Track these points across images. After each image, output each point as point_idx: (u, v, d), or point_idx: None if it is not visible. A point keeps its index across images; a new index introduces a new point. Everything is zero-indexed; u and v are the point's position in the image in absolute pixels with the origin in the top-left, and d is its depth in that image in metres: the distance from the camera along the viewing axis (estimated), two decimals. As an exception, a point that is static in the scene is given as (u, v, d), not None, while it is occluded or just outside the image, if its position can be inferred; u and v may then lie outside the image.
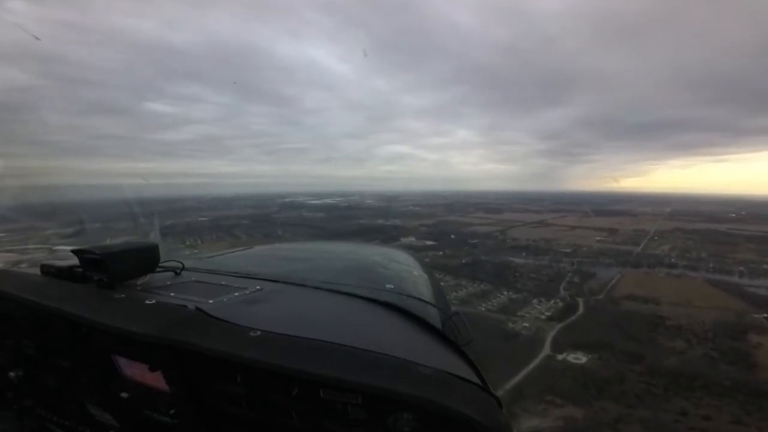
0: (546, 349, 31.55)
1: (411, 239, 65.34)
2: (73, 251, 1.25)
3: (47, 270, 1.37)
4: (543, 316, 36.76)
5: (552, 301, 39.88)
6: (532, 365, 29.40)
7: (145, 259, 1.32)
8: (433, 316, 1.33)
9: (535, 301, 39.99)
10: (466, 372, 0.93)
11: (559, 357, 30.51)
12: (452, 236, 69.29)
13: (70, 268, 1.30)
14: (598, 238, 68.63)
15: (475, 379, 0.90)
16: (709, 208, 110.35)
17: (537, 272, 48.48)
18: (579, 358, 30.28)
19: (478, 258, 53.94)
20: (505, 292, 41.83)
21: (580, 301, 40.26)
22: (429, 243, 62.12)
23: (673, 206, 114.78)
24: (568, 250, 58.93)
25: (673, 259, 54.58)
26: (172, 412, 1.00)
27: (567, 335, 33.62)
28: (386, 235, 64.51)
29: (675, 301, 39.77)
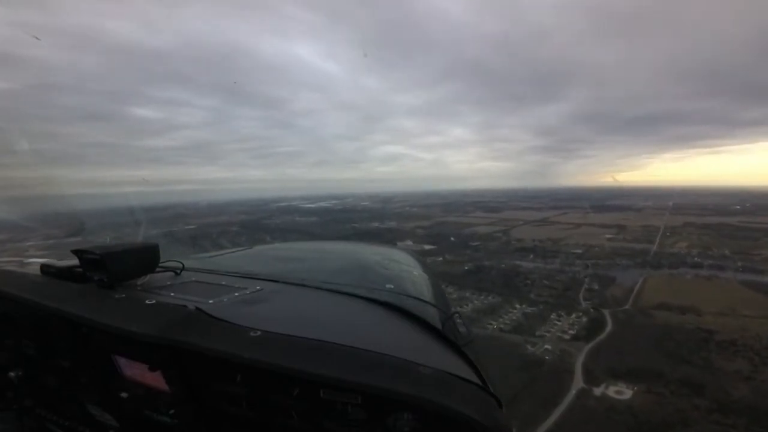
0: (578, 381, 24.65)
1: (408, 243, 58.58)
2: (73, 251, 1.21)
3: (47, 270, 1.32)
4: (566, 336, 29.88)
5: (574, 315, 33.02)
6: (563, 405, 22.49)
7: (145, 259, 1.28)
8: (433, 316, 1.28)
9: (553, 315, 33.09)
10: (466, 372, 0.91)
11: (597, 391, 23.61)
12: (452, 238, 62.52)
13: (70, 268, 1.26)
14: (607, 236, 62.00)
15: (475, 379, 0.88)
16: (711, 201, 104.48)
17: (550, 279, 41.64)
18: (622, 391, 23.40)
19: (482, 263, 47.08)
20: (518, 306, 34.90)
21: (606, 313, 33.44)
22: (427, 247, 55.21)
23: (674, 200, 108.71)
24: (579, 251, 52.19)
25: (695, 258, 48.01)
26: (172, 412, 0.99)
27: (600, 360, 26.76)
28: (381, 240, 57.86)
29: (717, 310, 33.05)
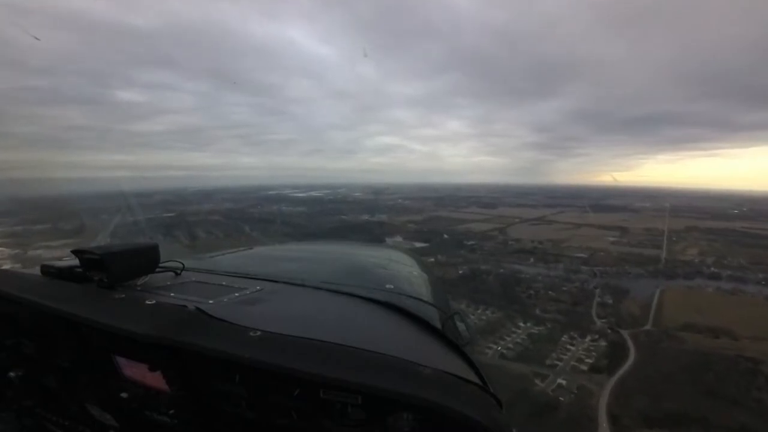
0: (604, 431, 18.62)
1: (398, 239, 52.33)
2: (73, 251, 1.19)
3: (47, 270, 1.29)
4: (583, 366, 23.78)
5: (588, 338, 26.93)
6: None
7: (145, 259, 1.26)
8: (433, 316, 1.26)
9: (564, 337, 26.97)
10: (466, 372, 0.90)
11: (629, 450, 17.61)
12: (445, 236, 56.20)
13: (70, 268, 1.24)
14: (611, 239, 56.16)
15: (475, 379, 0.87)
16: (707, 204, 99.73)
17: (555, 289, 35.51)
18: (662, 451, 17.42)
19: (478, 267, 40.79)
20: (521, 323, 28.65)
21: (626, 335, 27.45)
22: (419, 245, 48.85)
23: (670, 201, 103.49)
24: (584, 256, 46.23)
25: (711, 268, 42.32)
26: (172, 412, 0.98)
27: (628, 401, 20.70)
28: (370, 235, 51.69)
29: (753, 333, 27.18)
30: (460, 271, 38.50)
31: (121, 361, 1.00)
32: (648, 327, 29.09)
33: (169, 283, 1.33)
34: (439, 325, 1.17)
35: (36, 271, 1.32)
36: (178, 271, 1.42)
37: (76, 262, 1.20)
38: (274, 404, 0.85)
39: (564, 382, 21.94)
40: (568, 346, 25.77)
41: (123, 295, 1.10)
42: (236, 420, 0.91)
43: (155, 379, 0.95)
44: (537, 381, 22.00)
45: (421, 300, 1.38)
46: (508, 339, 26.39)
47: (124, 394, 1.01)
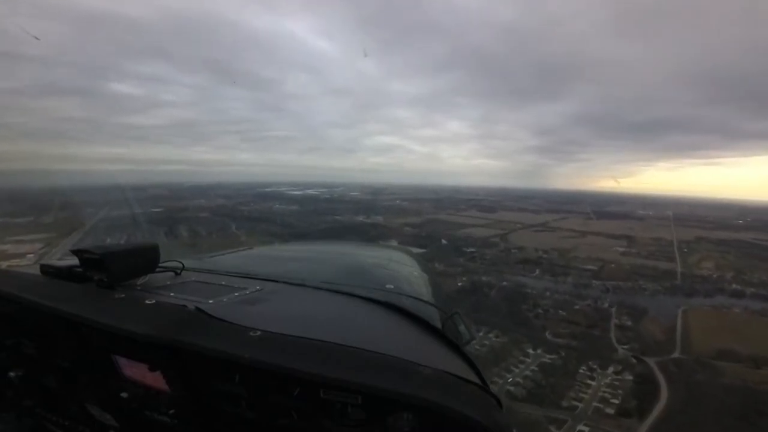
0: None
1: (393, 243, 47.96)
2: (72, 251, 1.17)
3: (47, 270, 1.28)
4: (608, 408, 19.53)
5: (611, 369, 22.70)
6: None
7: (145, 259, 1.24)
8: (433, 316, 1.26)
9: (583, 369, 22.72)
10: (466, 372, 0.90)
11: None
12: (443, 241, 52.02)
13: (70, 268, 1.23)
14: (619, 249, 52.11)
15: (475, 379, 0.87)
16: (709, 213, 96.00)
17: (567, 308, 31.26)
18: None
19: (479, 279, 36.53)
20: (531, 350, 24.32)
21: (653, 365, 23.27)
22: (415, 251, 44.15)
23: (672, 209, 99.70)
24: (593, 268, 42.10)
25: (733, 285, 38.31)
26: (172, 412, 0.98)
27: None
28: (363, 238, 47.32)
29: (799, 367, 23.09)
30: (460, 283, 34.17)
31: (121, 361, 0.99)
32: (677, 354, 24.94)
33: (168, 283, 1.30)
34: (439, 325, 1.16)
35: (36, 271, 1.29)
36: (178, 271, 1.39)
37: (76, 262, 1.17)
38: (274, 404, 0.84)
39: (586, 430, 17.72)
40: (588, 381, 21.57)
41: (123, 295, 1.09)
42: (236, 420, 0.90)
43: (155, 379, 0.94)
44: (553, 429, 17.77)
45: (421, 300, 1.36)
46: (516, 371, 22.10)
47: (124, 394, 1.00)
